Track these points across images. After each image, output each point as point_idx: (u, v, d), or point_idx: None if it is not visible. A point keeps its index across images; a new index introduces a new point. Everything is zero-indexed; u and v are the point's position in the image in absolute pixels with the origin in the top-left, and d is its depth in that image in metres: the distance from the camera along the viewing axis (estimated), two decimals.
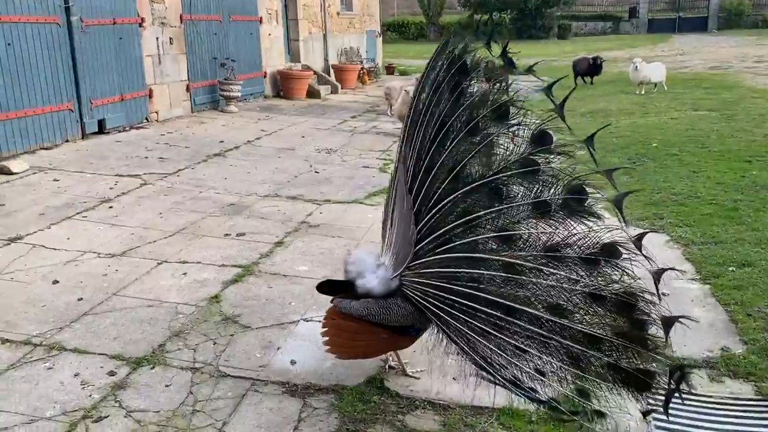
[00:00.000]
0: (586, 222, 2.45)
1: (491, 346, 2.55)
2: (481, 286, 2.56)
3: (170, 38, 10.45)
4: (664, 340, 2.29)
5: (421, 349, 3.19)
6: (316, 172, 7.52)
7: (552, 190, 2.52)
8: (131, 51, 9.46)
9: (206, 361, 3.38)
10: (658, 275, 2.32)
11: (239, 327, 3.75)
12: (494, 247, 2.60)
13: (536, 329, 2.45)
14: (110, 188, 6.41)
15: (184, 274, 4.46)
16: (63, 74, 8.14)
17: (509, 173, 2.59)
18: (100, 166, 7.20)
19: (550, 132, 2.58)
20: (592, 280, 2.41)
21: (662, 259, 2.69)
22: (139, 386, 3.15)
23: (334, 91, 15.73)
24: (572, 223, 2.47)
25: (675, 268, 3.08)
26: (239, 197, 6.34)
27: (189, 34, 10.93)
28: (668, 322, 2.27)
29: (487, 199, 2.64)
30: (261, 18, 13.53)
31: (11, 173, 6.70)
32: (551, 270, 2.45)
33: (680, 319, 2.27)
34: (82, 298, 4.04)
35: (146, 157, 7.79)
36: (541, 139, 2.57)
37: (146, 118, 9.79)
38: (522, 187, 2.60)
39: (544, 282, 2.46)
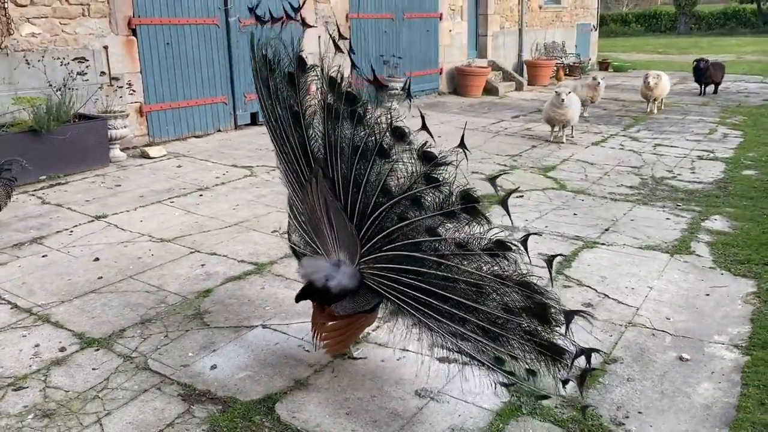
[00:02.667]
0: (482, 222, 2.78)
1: (443, 321, 2.89)
2: (421, 276, 2.89)
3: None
4: (564, 332, 2.59)
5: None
6: None
7: (452, 198, 2.81)
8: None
9: (144, 352, 3.59)
10: (549, 262, 2.64)
11: (199, 324, 3.90)
12: (428, 243, 2.89)
13: (470, 303, 2.82)
14: (216, 177, 7.01)
15: (202, 265, 4.74)
16: (219, 70, 9.05)
17: (421, 188, 2.83)
18: (225, 156, 7.90)
19: (430, 150, 2.83)
20: (496, 267, 2.76)
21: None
22: (73, 365, 3.46)
23: (519, 88, 15.17)
24: (474, 223, 2.79)
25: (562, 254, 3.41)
26: None
27: (355, 32, 11.37)
28: (568, 316, 2.56)
29: (413, 207, 2.88)
30: (441, 14, 13.55)
31: (148, 157, 7.68)
32: (465, 260, 2.82)
33: (580, 313, 2.56)
34: (101, 277, 4.53)
35: (272, 150, 8.32)
36: (427, 157, 2.82)
37: None
38: (433, 197, 2.85)
39: (463, 268, 2.82)
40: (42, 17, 7.04)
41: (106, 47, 7.65)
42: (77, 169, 6.97)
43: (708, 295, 4.27)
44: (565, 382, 2.71)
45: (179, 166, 7.43)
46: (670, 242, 5.23)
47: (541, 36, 17.67)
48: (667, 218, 5.87)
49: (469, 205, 2.78)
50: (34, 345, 3.65)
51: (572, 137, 9.64)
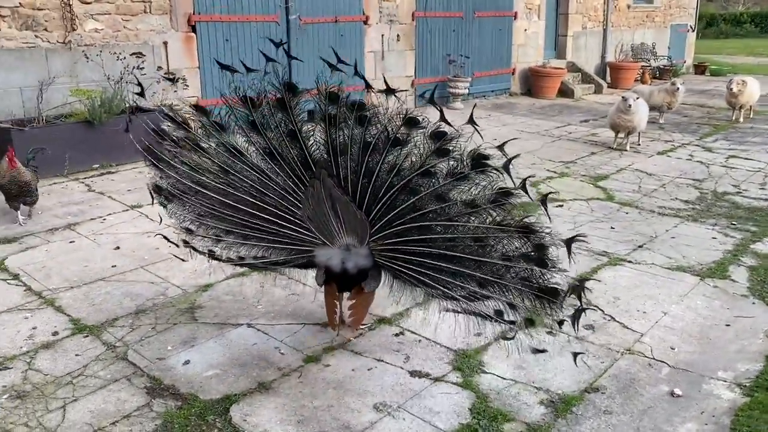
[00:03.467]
0: (491, 175, 3.08)
1: (450, 280, 3.20)
2: (430, 242, 3.21)
3: (397, 35, 10.92)
4: (568, 259, 2.90)
5: None
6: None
7: (463, 163, 3.10)
8: (352, 47, 10.18)
9: (128, 342, 3.69)
10: (543, 201, 3.01)
11: (188, 319, 3.97)
12: (439, 210, 3.18)
13: (475, 258, 3.12)
14: None
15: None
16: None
17: (433, 162, 3.13)
18: None
19: (441, 129, 3.11)
20: (499, 215, 3.08)
21: None
22: (59, 350, 3.61)
23: (597, 91, 14.53)
24: (481, 178, 3.10)
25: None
26: None
27: (420, 31, 11.26)
28: (569, 243, 2.91)
29: (426, 180, 3.18)
30: (516, 13, 13.19)
31: None
32: (473, 217, 3.14)
33: (577, 238, 2.95)
34: (115, 266, 4.70)
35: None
36: (438, 135, 3.11)
37: None
38: (444, 165, 3.14)
39: (470, 225, 3.15)
40: (105, 14, 7.41)
41: (165, 43, 7.96)
42: (128, 160, 7.28)
43: (728, 325, 3.90)
44: (560, 323, 3.04)
45: None
46: (705, 264, 4.81)
47: (628, 37, 16.83)
48: (714, 237, 5.42)
49: (480, 164, 3.06)
50: (32, 327, 3.84)
51: (638, 145, 9.11)
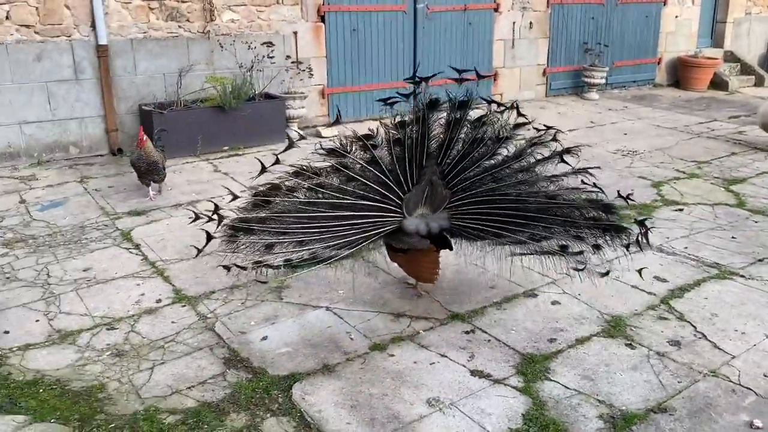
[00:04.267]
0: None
1: (518, 229, 3.82)
2: (500, 203, 3.89)
3: (530, 22, 10.62)
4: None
5: None
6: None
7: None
8: (480, 35, 10.07)
9: (218, 314, 4.01)
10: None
11: (275, 297, 4.23)
12: (519, 179, 3.92)
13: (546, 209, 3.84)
14: None
15: None
16: (402, 55, 9.35)
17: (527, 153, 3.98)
18: None
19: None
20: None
21: None
22: (159, 316, 4.01)
23: (759, 83, 13.24)
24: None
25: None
26: None
27: (555, 18, 10.87)
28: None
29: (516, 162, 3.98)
30: None
31: (320, 137, 8.27)
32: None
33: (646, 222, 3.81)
34: None
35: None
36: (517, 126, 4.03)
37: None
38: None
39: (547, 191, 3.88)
40: (241, 5, 7.92)
41: (295, 33, 8.36)
42: (255, 143, 7.78)
43: None
44: (627, 246, 3.72)
45: None
46: None
47: None
48: None
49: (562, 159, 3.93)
50: (140, 294, 4.28)
51: None
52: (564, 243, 3.76)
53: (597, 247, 3.74)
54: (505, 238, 3.83)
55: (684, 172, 7.09)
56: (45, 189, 6.31)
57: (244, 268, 3.87)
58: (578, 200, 3.80)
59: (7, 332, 3.81)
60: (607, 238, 3.71)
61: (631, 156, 7.72)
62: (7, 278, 4.47)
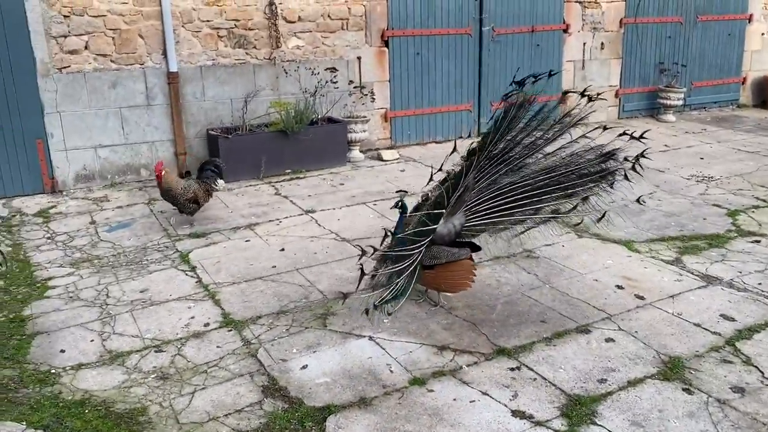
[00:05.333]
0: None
1: (532, 207, 4.20)
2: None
3: (602, 43, 10.32)
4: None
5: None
6: (640, 201, 6.59)
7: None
8: (548, 57, 9.86)
9: (262, 340, 4.03)
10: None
11: (319, 324, 4.21)
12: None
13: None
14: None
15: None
16: (467, 78, 9.28)
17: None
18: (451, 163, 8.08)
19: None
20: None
21: None
22: (205, 340, 4.06)
23: None
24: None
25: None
26: None
27: (628, 38, 10.52)
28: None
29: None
30: (751, 16, 11.71)
31: (381, 160, 8.29)
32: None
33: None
34: (275, 266, 5.14)
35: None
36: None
37: None
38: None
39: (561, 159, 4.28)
40: (306, 32, 8.08)
41: (359, 58, 8.44)
42: (316, 166, 7.87)
43: None
44: (626, 158, 4.15)
45: (402, 171, 7.87)
46: None
47: None
48: None
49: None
50: (190, 317, 4.37)
51: None
52: (555, 207, 4.15)
53: (585, 199, 4.16)
54: (506, 222, 4.19)
55: (764, 201, 6.63)
56: (114, 210, 6.60)
57: (374, 308, 3.91)
58: (580, 161, 4.15)
59: (62, 351, 3.96)
60: (601, 184, 4.13)
61: (706, 182, 7.31)
62: (70, 297, 4.67)
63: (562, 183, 4.12)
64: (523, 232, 4.38)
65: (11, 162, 6.88)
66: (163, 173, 5.77)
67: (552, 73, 4.19)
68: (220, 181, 6.30)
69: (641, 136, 4.19)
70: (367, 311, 3.90)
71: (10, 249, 5.59)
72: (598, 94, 4.36)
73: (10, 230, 6.06)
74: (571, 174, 4.15)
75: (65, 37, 6.84)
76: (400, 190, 4.90)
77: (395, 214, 4.43)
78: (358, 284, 3.83)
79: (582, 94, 4.25)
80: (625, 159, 4.13)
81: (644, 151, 4.16)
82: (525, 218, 4.22)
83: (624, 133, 4.20)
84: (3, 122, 6.76)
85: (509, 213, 4.17)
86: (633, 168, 4.11)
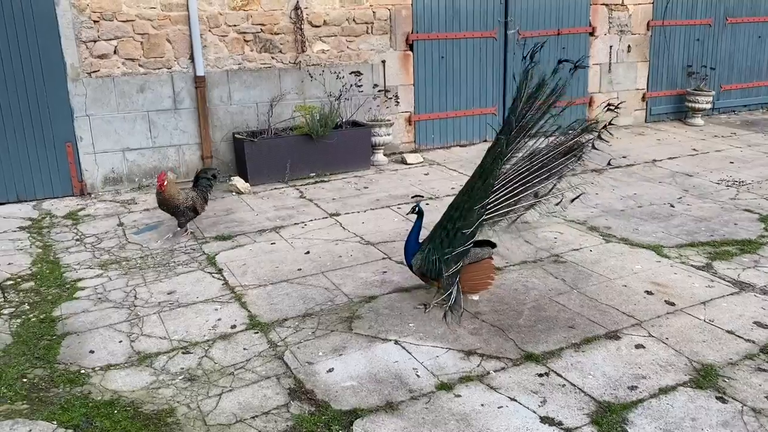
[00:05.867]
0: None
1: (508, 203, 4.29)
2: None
3: (628, 46, 10.21)
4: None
5: None
6: (670, 205, 6.51)
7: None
8: (574, 59, 9.74)
9: (288, 343, 4.03)
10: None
11: (345, 328, 4.20)
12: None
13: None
14: (452, 188, 7.22)
15: (384, 272, 5.02)
16: (492, 81, 9.23)
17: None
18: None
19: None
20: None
21: None
22: (232, 342, 4.07)
23: None
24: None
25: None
26: None
27: (656, 41, 10.39)
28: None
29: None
30: None
31: (405, 163, 8.28)
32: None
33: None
34: (300, 269, 5.15)
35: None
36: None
37: None
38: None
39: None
40: (332, 36, 8.10)
41: (383, 61, 8.45)
42: (341, 170, 7.89)
43: None
44: (597, 121, 4.43)
45: (426, 174, 7.85)
46: None
47: None
48: None
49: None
50: (217, 319, 4.39)
51: None
52: (535, 190, 4.25)
53: (561, 177, 4.28)
54: (508, 212, 4.27)
55: None
56: (142, 213, 6.67)
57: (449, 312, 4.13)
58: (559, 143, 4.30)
59: (92, 352, 4.00)
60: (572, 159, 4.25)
61: (736, 187, 7.18)
62: (99, 299, 4.72)
63: (548, 165, 4.26)
64: (513, 222, 4.48)
65: (41, 165, 6.99)
66: (165, 183, 5.76)
67: (579, 64, 4.53)
68: (245, 184, 6.31)
69: (617, 106, 4.42)
70: (445, 315, 4.13)
71: (40, 250, 5.67)
72: (617, 106, 4.48)
73: (40, 232, 6.15)
74: (557, 155, 4.28)
75: (95, 41, 6.95)
76: (416, 195, 4.84)
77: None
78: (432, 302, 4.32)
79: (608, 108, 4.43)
80: (592, 129, 4.32)
81: (612, 119, 4.31)
82: (518, 205, 4.32)
83: (608, 104, 4.47)
84: (34, 126, 6.88)
85: (509, 201, 4.25)
86: (599, 137, 4.25)
